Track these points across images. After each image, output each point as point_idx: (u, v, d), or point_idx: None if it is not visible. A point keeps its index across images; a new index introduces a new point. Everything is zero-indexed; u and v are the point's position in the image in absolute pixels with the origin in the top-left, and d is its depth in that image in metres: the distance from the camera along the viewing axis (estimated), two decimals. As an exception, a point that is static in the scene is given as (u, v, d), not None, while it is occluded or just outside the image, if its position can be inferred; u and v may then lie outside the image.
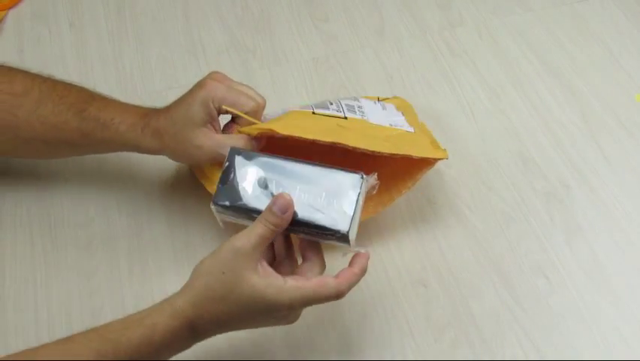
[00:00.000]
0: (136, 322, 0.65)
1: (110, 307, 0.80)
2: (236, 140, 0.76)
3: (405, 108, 0.90)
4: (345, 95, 0.97)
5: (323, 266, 0.69)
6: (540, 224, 0.85)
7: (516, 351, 0.76)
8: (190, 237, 0.85)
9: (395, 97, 0.93)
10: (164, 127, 0.77)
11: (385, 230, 0.85)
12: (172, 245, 0.84)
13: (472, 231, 0.85)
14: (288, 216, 0.66)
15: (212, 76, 0.79)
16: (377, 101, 0.88)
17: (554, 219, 0.86)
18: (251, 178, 0.68)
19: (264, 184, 0.68)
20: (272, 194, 0.67)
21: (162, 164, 0.85)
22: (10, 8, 1.10)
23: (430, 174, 0.83)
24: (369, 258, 0.68)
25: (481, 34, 1.06)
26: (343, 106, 0.83)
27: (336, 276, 0.66)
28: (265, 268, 0.65)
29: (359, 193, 0.67)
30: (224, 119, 0.79)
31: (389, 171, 0.80)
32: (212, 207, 0.69)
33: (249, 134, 0.77)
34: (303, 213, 0.67)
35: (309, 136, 0.75)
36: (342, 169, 0.68)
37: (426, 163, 0.81)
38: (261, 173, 0.68)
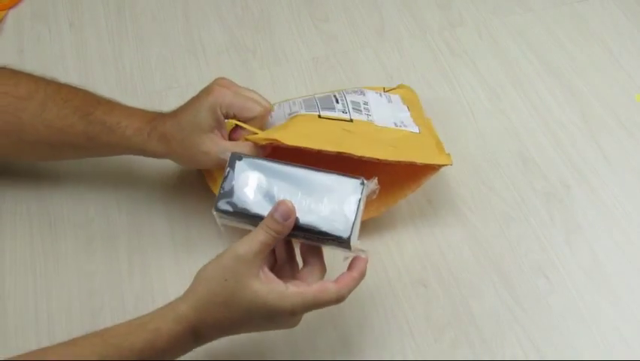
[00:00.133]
0: (139, 327, 0.65)
1: (110, 307, 0.80)
2: (242, 147, 0.77)
3: (410, 100, 0.90)
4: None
5: (324, 271, 0.69)
6: (540, 224, 0.85)
7: (516, 351, 0.76)
8: (190, 236, 0.85)
9: (401, 85, 0.93)
10: (171, 132, 0.77)
11: (385, 230, 0.85)
12: (172, 245, 0.84)
13: (472, 231, 0.85)
14: (290, 223, 0.66)
15: (219, 82, 0.79)
16: (382, 93, 0.89)
17: (554, 219, 0.86)
18: (252, 184, 0.68)
19: (265, 190, 0.68)
20: (273, 199, 0.68)
21: (163, 163, 0.85)
22: (10, 8, 1.10)
23: (430, 174, 0.83)
24: (367, 262, 0.69)
25: (481, 34, 1.06)
26: (349, 104, 0.84)
27: (336, 281, 0.67)
28: (267, 274, 0.65)
29: (359, 199, 0.67)
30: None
31: (393, 174, 0.81)
32: (214, 212, 0.69)
33: (255, 142, 0.77)
34: (305, 218, 0.67)
35: (315, 146, 0.77)
36: (343, 175, 0.68)
37: (430, 169, 0.81)
38: (263, 178, 0.68)
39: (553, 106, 0.97)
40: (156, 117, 0.80)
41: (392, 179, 0.81)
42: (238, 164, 0.69)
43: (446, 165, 0.81)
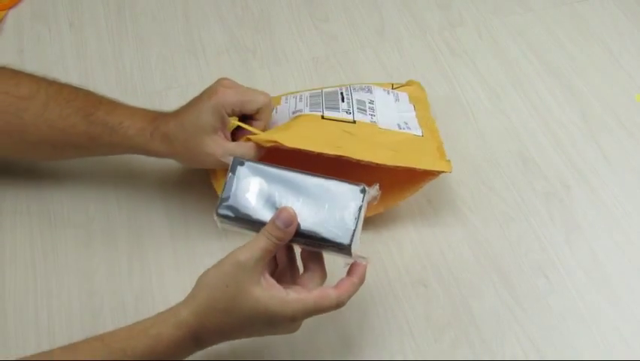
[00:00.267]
0: (141, 332, 0.65)
1: (110, 307, 0.80)
2: (245, 148, 0.77)
3: (417, 98, 0.90)
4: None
5: (324, 276, 0.69)
6: (540, 224, 0.85)
7: (516, 351, 0.76)
8: (190, 236, 0.85)
9: (410, 82, 0.94)
10: (174, 133, 0.77)
11: (385, 230, 0.85)
12: (172, 244, 0.84)
13: (472, 231, 0.85)
14: (292, 230, 0.66)
15: (223, 83, 0.79)
16: (390, 91, 0.89)
17: (554, 219, 0.86)
18: (254, 189, 0.68)
19: (266, 196, 0.68)
20: (274, 205, 0.68)
21: (163, 163, 0.85)
22: (10, 8, 1.10)
23: (430, 174, 0.83)
24: (366, 267, 0.69)
25: (481, 34, 1.06)
26: (354, 103, 0.84)
27: (336, 287, 0.67)
28: (268, 280, 0.66)
29: (361, 206, 0.67)
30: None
31: (393, 177, 0.81)
32: (215, 217, 0.69)
33: (257, 143, 0.77)
34: (306, 225, 0.67)
35: (315, 149, 0.77)
36: (344, 181, 0.68)
37: (429, 174, 0.82)
38: (264, 184, 0.69)
39: (553, 106, 0.97)
40: (158, 117, 0.80)
41: (392, 182, 0.82)
42: (240, 169, 0.69)
43: (445, 172, 0.81)
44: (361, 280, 0.69)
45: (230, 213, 0.68)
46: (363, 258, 0.69)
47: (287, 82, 0.99)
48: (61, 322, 0.79)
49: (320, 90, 0.88)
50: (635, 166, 0.91)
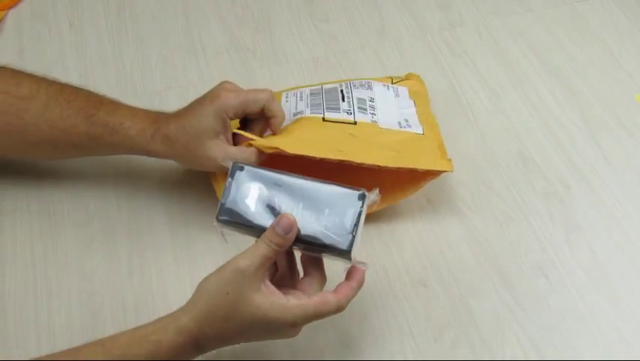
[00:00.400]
0: (141, 338, 0.65)
1: (110, 307, 0.80)
2: (247, 153, 0.77)
3: (417, 93, 0.91)
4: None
5: (324, 281, 0.70)
6: (540, 224, 0.85)
7: (516, 351, 0.76)
8: (190, 236, 0.85)
9: (409, 75, 0.94)
10: (175, 135, 0.78)
11: (385, 230, 0.85)
12: (172, 244, 0.84)
13: (472, 231, 0.85)
14: (292, 237, 0.66)
15: (225, 86, 0.79)
16: (390, 86, 0.89)
17: (554, 219, 0.86)
18: (253, 194, 0.69)
19: (266, 201, 0.68)
20: (274, 211, 0.68)
21: (163, 163, 0.85)
22: (10, 8, 1.10)
23: (430, 174, 0.83)
24: (365, 270, 0.70)
25: (481, 34, 1.06)
26: (354, 102, 0.84)
27: (336, 291, 0.68)
28: (268, 286, 0.66)
29: (361, 211, 0.67)
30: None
31: (394, 176, 0.81)
32: (215, 222, 0.69)
33: (259, 148, 0.77)
34: (306, 230, 0.67)
35: (317, 154, 0.77)
36: (344, 186, 0.68)
37: (431, 173, 0.82)
38: (264, 189, 0.69)
39: (553, 106, 0.97)
40: (159, 118, 0.80)
41: (393, 180, 0.82)
42: (239, 174, 0.69)
43: (447, 171, 0.81)
44: (360, 284, 0.69)
45: (229, 219, 0.69)
46: (363, 263, 0.69)
47: (287, 82, 0.99)
48: (61, 322, 0.79)
49: (320, 87, 0.87)
50: (635, 166, 0.91)
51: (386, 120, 0.84)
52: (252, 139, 0.78)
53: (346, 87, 0.87)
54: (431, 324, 0.78)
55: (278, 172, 0.69)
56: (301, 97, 0.86)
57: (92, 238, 0.85)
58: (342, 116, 0.83)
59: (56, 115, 0.79)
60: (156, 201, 0.88)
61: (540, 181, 0.89)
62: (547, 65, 1.01)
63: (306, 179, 0.69)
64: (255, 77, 1.01)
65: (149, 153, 0.80)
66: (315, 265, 0.70)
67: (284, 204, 0.68)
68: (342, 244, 0.67)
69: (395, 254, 0.83)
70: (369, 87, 0.87)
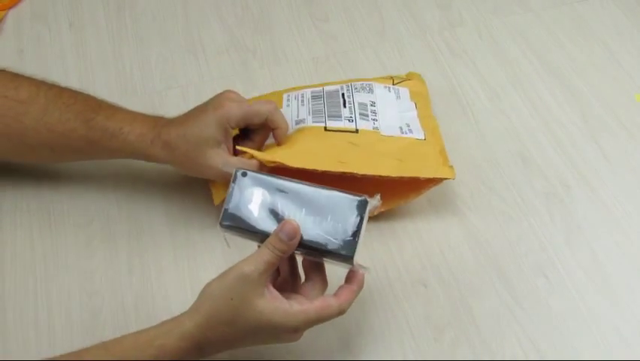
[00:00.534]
0: (145, 343, 0.66)
1: (110, 307, 0.80)
2: (248, 165, 0.77)
3: (418, 94, 0.91)
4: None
5: (325, 286, 0.70)
6: (540, 224, 0.85)
7: (516, 351, 0.76)
8: (190, 236, 0.85)
9: (410, 74, 0.94)
10: (176, 142, 0.77)
11: (385, 230, 0.85)
12: (172, 244, 0.84)
13: (472, 231, 0.85)
14: (295, 243, 0.67)
15: (228, 96, 0.79)
16: (391, 87, 0.89)
17: (554, 219, 0.86)
18: (257, 200, 0.69)
19: (269, 206, 0.68)
20: (277, 216, 0.68)
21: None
22: (10, 8, 1.10)
23: (430, 174, 0.83)
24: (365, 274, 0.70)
25: (481, 34, 1.06)
26: (356, 107, 0.85)
27: (337, 295, 0.68)
28: (271, 292, 0.66)
29: (363, 217, 0.68)
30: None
31: (395, 184, 0.82)
32: (219, 227, 0.69)
33: (260, 161, 0.77)
34: (308, 236, 0.67)
35: (319, 167, 0.78)
36: (346, 192, 0.69)
37: (432, 181, 0.82)
38: (267, 195, 0.69)
39: (553, 106, 0.97)
40: (159, 123, 0.80)
41: (394, 188, 0.83)
42: (243, 180, 0.70)
43: (449, 178, 0.82)
44: (360, 287, 0.70)
45: (233, 224, 0.69)
46: (365, 268, 0.69)
47: (287, 82, 0.99)
48: (61, 322, 0.79)
49: (321, 88, 0.88)
50: (635, 166, 0.91)
51: (387, 126, 0.84)
52: (253, 155, 0.77)
53: (347, 90, 0.87)
54: (431, 324, 0.78)
55: (281, 178, 0.70)
56: (302, 101, 0.86)
57: (91, 238, 0.85)
58: (344, 124, 0.83)
59: (55, 119, 0.79)
60: (156, 201, 0.88)
61: (540, 181, 0.89)
62: (547, 65, 1.01)
63: (308, 185, 0.69)
64: (255, 77, 1.01)
65: (148, 158, 0.80)
66: (316, 270, 0.70)
67: (287, 209, 0.68)
68: (345, 249, 0.67)
69: (395, 254, 0.83)
70: (371, 90, 0.87)
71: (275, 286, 0.67)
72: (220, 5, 1.10)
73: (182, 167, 0.80)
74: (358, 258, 0.68)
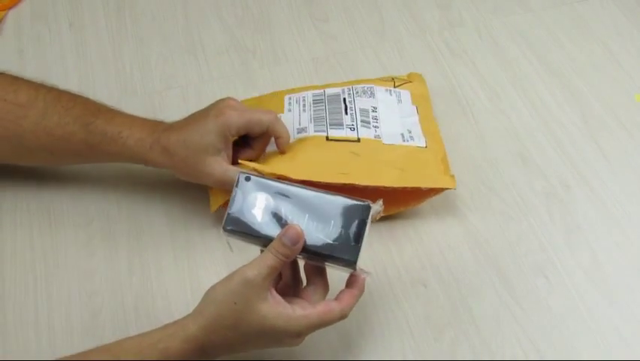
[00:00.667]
0: (149, 346, 0.66)
1: (110, 307, 0.80)
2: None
3: (420, 96, 0.91)
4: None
5: (327, 290, 0.70)
6: (540, 224, 0.85)
7: (516, 351, 0.76)
8: (190, 236, 0.85)
9: (411, 75, 0.94)
10: (175, 148, 0.77)
11: (385, 230, 0.85)
12: (172, 244, 0.84)
13: (472, 231, 0.85)
14: (298, 248, 0.67)
15: (229, 103, 0.79)
16: (392, 90, 0.89)
17: (554, 219, 0.86)
18: (260, 205, 0.69)
19: (272, 211, 0.69)
20: (281, 221, 0.68)
21: (162, 164, 0.85)
22: (10, 8, 1.10)
23: (430, 174, 0.83)
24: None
25: (481, 34, 1.06)
26: (357, 115, 0.85)
27: (339, 300, 0.69)
28: (274, 296, 0.66)
29: (366, 223, 0.68)
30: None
31: (397, 192, 0.82)
32: (222, 232, 0.69)
33: (261, 173, 0.77)
34: (312, 241, 0.68)
35: (322, 179, 0.78)
36: (349, 197, 0.69)
37: (434, 190, 0.83)
38: (270, 199, 0.69)
39: (553, 106, 0.97)
40: (158, 128, 0.80)
41: (396, 197, 0.83)
42: (246, 184, 0.70)
43: (450, 188, 0.82)
44: (362, 292, 0.70)
45: (236, 228, 0.69)
46: (367, 273, 0.70)
47: (287, 82, 0.99)
48: (61, 322, 0.79)
49: (322, 91, 0.88)
50: (635, 166, 0.91)
51: (389, 133, 0.85)
52: (255, 168, 0.77)
53: (349, 95, 0.87)
54: (431, 324, 0.78)
55: (284, 183, 0.70)
56: (304, 106, 0.86)
57: (91, 238, 0.85)
58: (346, 133, 0.83)
59: (54, 122, 0.79)
60: (156, 201, 0.88)
61: (540, 181, 0.89)
62: (547, 65, 1.01)
63: (311, 190, 0.69)
64: (255, 77, 1.01)
65: (146, 163, 0.80)
66: (318, 274, 0.70)
67: (290, 214, 0.68)
68: (348, 255, 0.67)
69: (395, 254, 0.83)
70: (372, 94, 0.88)
71: (277, 290, 0.67)
72: (220, 5, 1.10)
73: (180, 173, 0.80)
74: (360, 262, 0.68)
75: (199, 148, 0.76)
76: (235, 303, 0.65)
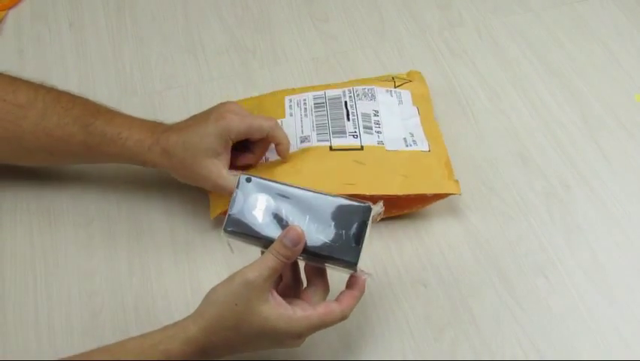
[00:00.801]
0: (150, 347, 0.66)
1: (110, 307, 0.80)
2: None
3: (420, 96, 0.91)
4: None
5: (327, 291, 0.71)
6: (540, 224, 0.85)
7: (516, 351, 0.76)
8: (190, 236, 0.85)
9: (410, 73, 0.94)
10: (174, 150, 0.77)
11: (385, 230, 0.85)
12: (172, 245, 0.84)
13: (472, 231, 0.85)
14: (299, 249, 0.67)
15: (230, 107, 0.79)
16: (393, 91, 0.89)
17: (554, 219, 0.86)
18: (261, 206, 0.69)
19: (273, 212, 0.69)
20: (282, 222, 0.68)
21: (162, 164, 0.85)
22: (10, 8, 1.10)
23: (430, 174, 0.83)
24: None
25: (481, 34, 1.06)
26: (359, 120, 0.85)
27: (339, 301, 0.69)
28: (275, 298, 0.66)
29: (367, 224, 0.68)
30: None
31: (400, 198, 0.82)
32: (223, 233, 0.69)
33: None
34: (312, 242, 0.68)
35: (328, 191, 0.77)
36: (350, 199, 0.69)
37: (438, 196, 0.83)
38: (271, 201, 0.69)
39: (553, 106, 0.97)
40: (158, 129, 0.80)
41: (399, 201, 0.83)
42: (247, 185, 0.70)
43: (454, 194, 0.83)
44: (362, 293, 0.70)
45: (237, 229, 0.69)
46: (368, 274, 0.70)
47: (287, 82, 0.99)
48: (61, 322, 0.79)
49: (323, 93, 0.88)
50: (635, 166, 0.91)
51: (391, 138, 0.85)
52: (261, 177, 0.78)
53: (350, 98, 0.87)
54: (431, 324, 0.78)
55: (285, 184, 0.70)
56: (305, 111, 0.86)
57: (91, 238, 0.85)
58: (349, 141, 0.84)
59: (53, 123, 0.79)
60: (156, 201, 0.88)
61: (540, 181, 0.89)
62: (547, 65, 1.01)
63: (312, 191, 0.69)
64: (254, 77, 1.01)
65: (145, 164, 0.80)
66: (318, 275, 0.70)
67: (291, 215, 0.68)
68: (349, 256, 0.68)
69: (395, 254, 0.83)
70: (373, 96, 0.88)
71: (277, 291, 0.67)
72: (220, 5, 1.10)
73: (178, 174, 0.80)
74: (361, 264, 0.68)
75: (198, 150, 0.76)
76: (236, 304, 0.65)
